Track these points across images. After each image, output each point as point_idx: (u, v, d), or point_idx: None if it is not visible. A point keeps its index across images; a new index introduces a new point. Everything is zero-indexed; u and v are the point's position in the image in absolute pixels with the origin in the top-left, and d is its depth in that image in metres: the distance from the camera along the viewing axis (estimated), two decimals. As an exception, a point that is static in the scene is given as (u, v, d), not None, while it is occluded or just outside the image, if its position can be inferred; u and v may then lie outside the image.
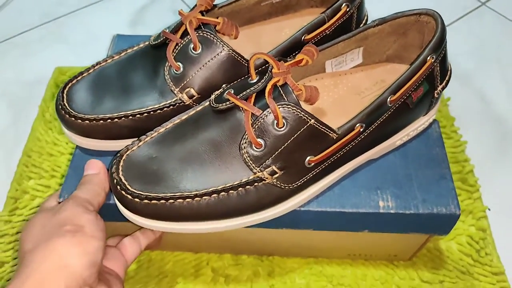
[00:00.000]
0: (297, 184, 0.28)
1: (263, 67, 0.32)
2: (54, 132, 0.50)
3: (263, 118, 0.27)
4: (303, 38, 0.33)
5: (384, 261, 0.40)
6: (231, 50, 0.31)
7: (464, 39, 0.58)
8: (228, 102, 0.28)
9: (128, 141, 0.32)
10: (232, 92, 0.28)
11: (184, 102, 0.31)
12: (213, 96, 0.30)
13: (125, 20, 0.63)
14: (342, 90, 0.35)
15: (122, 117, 0.31)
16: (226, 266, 0.41)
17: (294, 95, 0.26)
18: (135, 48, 0.35)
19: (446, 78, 0.32)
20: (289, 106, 0.26)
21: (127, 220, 0.29)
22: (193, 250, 0.41)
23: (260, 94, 0.27)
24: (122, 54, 0.34)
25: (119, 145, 0.32)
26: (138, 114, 0.31)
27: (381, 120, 0.29)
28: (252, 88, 0.27)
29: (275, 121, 0.27)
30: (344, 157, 0.29)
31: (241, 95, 0.28)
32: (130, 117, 0.31)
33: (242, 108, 0.28)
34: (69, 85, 0.33)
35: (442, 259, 0.41)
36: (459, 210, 0.29)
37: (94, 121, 0.31)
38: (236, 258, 0.41)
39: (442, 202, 0.30)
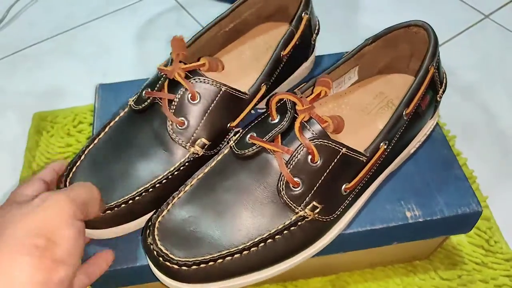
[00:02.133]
0: (336, 214, 0.28)
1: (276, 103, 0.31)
2: (44, 184, 0.47)
3: (297, 157, 0.27)
4: (281, 54, 0.34)
5: (402, 265, 0.41)
6: (228, 88, 0.31)
7: (467, 52, 0.58)
8: (254, 147, 0.28)
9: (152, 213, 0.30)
10: (254, 135, 0.28)
11: (198, 154, 0.30)
12: (232, 143, 0.29)
13: (134, 33, 0.64)
14: (346, 110, 0.36)
15: (142, 192, 0.29)
16: (249, 296, 0.40)
17: (321, 128, 0.27)
18: (116, 120, 0.32)
19: (444, 82, 0.33)
20: (319, 139, 0.26)
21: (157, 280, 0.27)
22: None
23: (285, 133, 0.27)
24: (107, 129, 0.32)
25: (144, 220, 0.30)
26: (158, 183, 0.29)
27: (400, 133, 0.30)
28: (276, 129, 0.27)
29: (310, 157, 0.27)
30: (372, 176, 0.30)
31: (267, 137, 0.27)
32: (151, 189, 0.29)
33: (271, 150, 0.27)
34: (68, 180, 0.29)
35: (456, 254, 0.42)
36: (480, 207, 0.31)
37: (116, 208, 0.28)
38: (258, 286, 0.40)
39: (463, 202, 0.31)
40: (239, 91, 0.31)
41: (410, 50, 0.35)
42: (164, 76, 0.31)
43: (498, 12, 0.66)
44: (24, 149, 0.50)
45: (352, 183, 0.28)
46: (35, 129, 0.52)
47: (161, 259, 0.25)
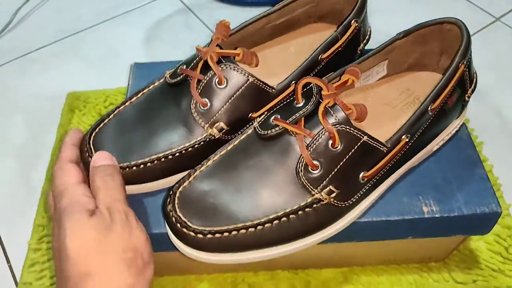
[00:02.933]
0: (352, 200, 0.29)
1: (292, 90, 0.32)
2: (75, 157, 0.49)
3: (318, 140, 0.27)
4: (319, 57, 0.34)
5: (417, 265, 0.41)
6: (255, 79, 0.31)
7: (478, 54, 0.57)
8: (277, 128, 0.28)
9: (162, 181, 0.31)
10: (279, 117, 0.29)
11: (214, 136, 0.31)
12: (256, 124, 0.30)
13: (141, 35, 0.64)
14: (372, 103, 0.36)
15: (154, 160, 0.30)
16: (261, 281, 0.41)
17: (344, 114, 0.27)
18: (151, 88, 0.34)
19: (474, 81, 0.33)
20: (342, 126, 0.27)
21: (173, 250, 0.29)
22: (228, 272, 0.41)
23: (309, 116, 0.28)
24: (139, 95, 0.34)
25: (153, 186, 0.31)
26: (170, 155, 0.30)
27: (423, 128, 0.30)
28: (301, 112, 0.28)
29: (330, 142, 0.27)
30: (392, 168, 0.30)
31: (290, 119, 0.28)
32: (163, 159, 0.30)
33: (294, 132, 0.28)
34: (93, 134, 0.32)
35: (473, 259, 0.41)
36: (500, 208, 0.30)
37: (127, 169, 0.30)
38: (272, 273, 0.41)
39: (483, 202, 0.31)
40: (267, 84, 0.32)
41: (441, 47, 0.35)
42: (199, 56, 0.32)
43: (509, 15, 0.65)
44: (31, 154, 0.50)
45: (371, 172, 0.28)
46: (68, 107, 0.55)
47: (178, 225, 0.27)
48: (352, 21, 0.35)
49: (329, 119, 0.27)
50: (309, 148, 0.27)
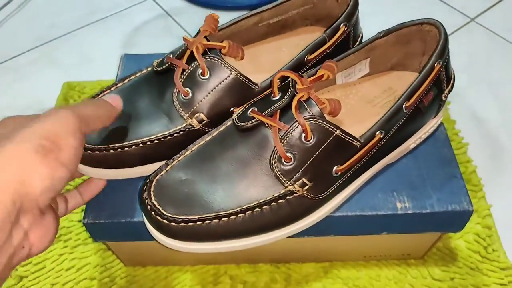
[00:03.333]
0: (325, 194, 0.29)
1: (281, 84, 0.33)
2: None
3: (291, 133, 0.28)
4: (306, 58, 0.35)
5: (396, 261, 0.42)
6: (238, 74, 0.32)
7: (454, 55, 0.59)
8: (253, 120, 0.29)
9: (140, 168, 0.32)
10: (256, 109, 0.30)
11: (194, 127, 0.31)
12: (235, 116, 0.31)
13: (119, 42, 0.64)
14: (354, 100, 0.36)
15: (132, 145, 0.31)
16: (243, 274, 0.42)
17: (318, 108, 0.28)
18: (138, 75, 0.35)
19: (451, 82, 0.34)
20: (315, 119, 0.28)
21: (153, 239, 0.29)
22: (210, 263, 0.42)
23: (284, 109, 0.29)
24: (126, 81, 0.34)
25: (131, 172, 0.32)
26: (149, 141, 0.31)
27: (398, 125, 0.31)
28: (276, 105, 0.29)
29: (303, 135, 0.28)
30: (366, 164, 0.31)
31: (266, 112, 0.29)
32: (141, 145, 0.31)
33: (269, 124, 0.29)
34: None
35: (452, 257, 0.42)
36: (471, 206, 0.31)
37: (105, 151, 0.31)
38: (254, 266, 0.42)
39: (455, 200, 0.31)
40: (250, 80, 0.33)
41: (423, 47, 0.35)
42: (186, 46, 0.32)
43: (484, 15, 0.66)
44: None
45: (344, 166, 0.29)
46: (63, 97, 0.55)
47: (153, 213, 0.27)
48: (341, 25, 0.35)
49: (302, 113, 0.28)
50: (283, 140, 0.28)
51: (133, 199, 0.32)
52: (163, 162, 0.31)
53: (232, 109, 0.33)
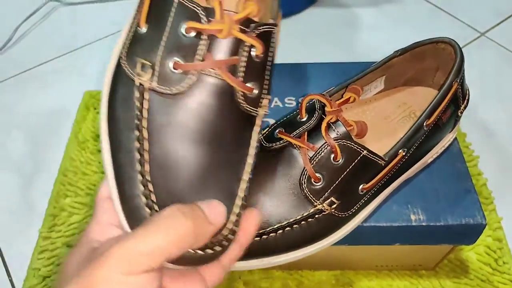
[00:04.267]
0: (351, 211, 0.30)
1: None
2: (87, 152, 0.52)
3: (320, 154, 0.29)
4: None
5: (408, 272, 0.43)
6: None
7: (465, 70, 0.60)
8: (282, 141, 0.30)
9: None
10: (283, 130, 0.30)
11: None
12: (261, 136, 0.31)
13: None
14: (370, 116, 0.38)
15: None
16: (257, 280, 0.43)
17: (346, 130, 0.29)
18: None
19: (467, 98, 0.35)
20: (343, 140, 0.29)
21: None
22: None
23: (312, 131, 0.30)
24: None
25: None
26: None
27: (419, 142, 0.32)
28: (304, 127, 0.30)
29: (332, 155, 0.29)
30: (389, 180, 0.32)
31: (294, 133, 0.30)
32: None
33: (297, 145, 0.29)
34: None
35: (463, 269, 0.43)
36: (485, 220, 0.32)
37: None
38: (267, 272, 0.43)
39: (469, 213, 0.32)
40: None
41: (436, 64, 0.36)
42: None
43: (494, 30, 0.66)
44: (31, 170, 0.51)
45: (369, 184, 0.30)
46: (84, 105, 0.57)
47: None
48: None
49: (331, 134, 0.29)
50: (312, 161, 0.29)
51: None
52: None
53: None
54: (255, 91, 0.25)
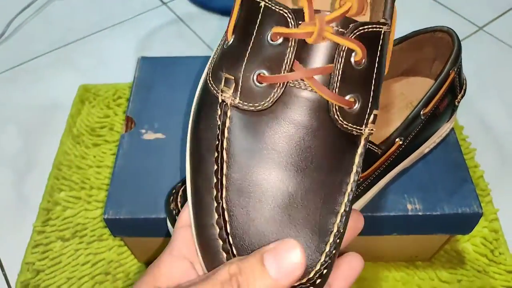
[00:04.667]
0: None
1: None
2: (81, 146, 0.51)
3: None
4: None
5: (404, 263, 0.43)
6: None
7: (462, 63, 0.60)
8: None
9: None
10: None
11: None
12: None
13: (133, 46, 0.65)
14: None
15: None
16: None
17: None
18: None
19: (464, 87, 0.35)
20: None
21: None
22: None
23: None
24: None
25: None
26: None
27: (416, 131, 0.32)
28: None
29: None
30: (386, 169, 0.31)
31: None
32: None
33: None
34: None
35: (459, 260, 0.43)
36: (481, 209, 0.32)
37: None
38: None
39: (465, 202, 0.32)
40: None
41: (434, 54, 0.36)
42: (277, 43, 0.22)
43: (492, 24, 0.66)
44: (24, 164, 0.51)
45: (366, 172, 0.30)
46: (79, 99, 0.57)
47: None
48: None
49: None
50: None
51: (153, 196, 0.33)
52: None
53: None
54: (357, 106, 0.21)
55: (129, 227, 0.33)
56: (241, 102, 0.20)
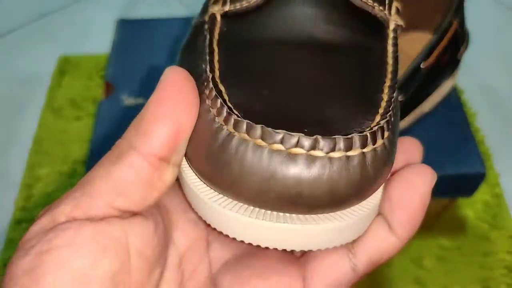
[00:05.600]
0: None
1: None
2: (63, 120, 0.49)
3: None
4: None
5: (403, 231, 0.41)
6: None
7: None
8: None
9: None
10: None
11: None
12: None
13: (115, 15, 0.61)
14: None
15: None
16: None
17: None
18: None
19: (466, 39, 0.32)
20: None
21: None
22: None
23: None
24: None
25: None
26: None
27: (415, 86, 0.30)
28: None
29: None
30: None
31: None
32: None
33: None
34: None
35: (459, 227, 0.42)
36: (484, 169, 0.30)
37: None
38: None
39: (468, 162, 0.31)
40: None
41: (433, 4, 0.34)
42: None
43: None
44: (4, 140, 0.48)
45: None
46: (59, 71, 0.54)
47: None
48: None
49: None
50: None
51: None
52: None
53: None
54: None
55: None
56: (232, 6, 0.17)
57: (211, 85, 0.14)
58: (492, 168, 0.45)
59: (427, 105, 0.33)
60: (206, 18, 0.17)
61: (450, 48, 0.31)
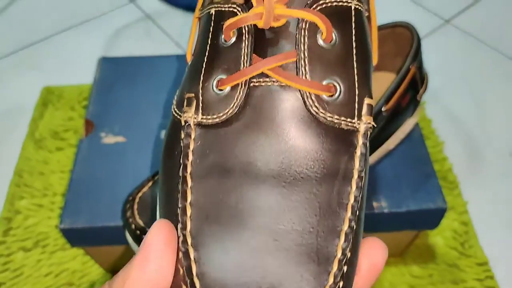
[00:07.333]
0: None
1: None
2: (44, 151, 0.49)
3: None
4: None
5: (376, 259, 0.42)
6: None
7: (429, 57, 0.59)
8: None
9: None
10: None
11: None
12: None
13: (99, 46, 0.63)
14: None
15: None
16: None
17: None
18: None
19: (425, 82, 0.35)
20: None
21: None
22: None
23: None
24: None
25: None
26: None
27: (378, 128, 0.31)
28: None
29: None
30: None
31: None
32: None
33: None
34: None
35: (429, 254, 0.43)
36: (445, 204, 0.32)
37: None
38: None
39: (430, 198, 0.32)
40: None
41: (395, 49, 0.36)
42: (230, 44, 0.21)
43: (458, 17, 0.67)
44: None
45: None
46: (42, 101, 0.55)
47: (138, 232, 0.26)
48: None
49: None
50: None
51: (110, 203, 0.32)
52: None
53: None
54: (338, 92, 0.17)
55: (88, 236, 0.32)
56: (204, 117, 0.18)
57: (182, 248, 0.15)
58: (460, 196, 0.47)
59: (392, 142, 0.35)
60: (182, 121, 0.18)
61: (410, 91, 0.33)
